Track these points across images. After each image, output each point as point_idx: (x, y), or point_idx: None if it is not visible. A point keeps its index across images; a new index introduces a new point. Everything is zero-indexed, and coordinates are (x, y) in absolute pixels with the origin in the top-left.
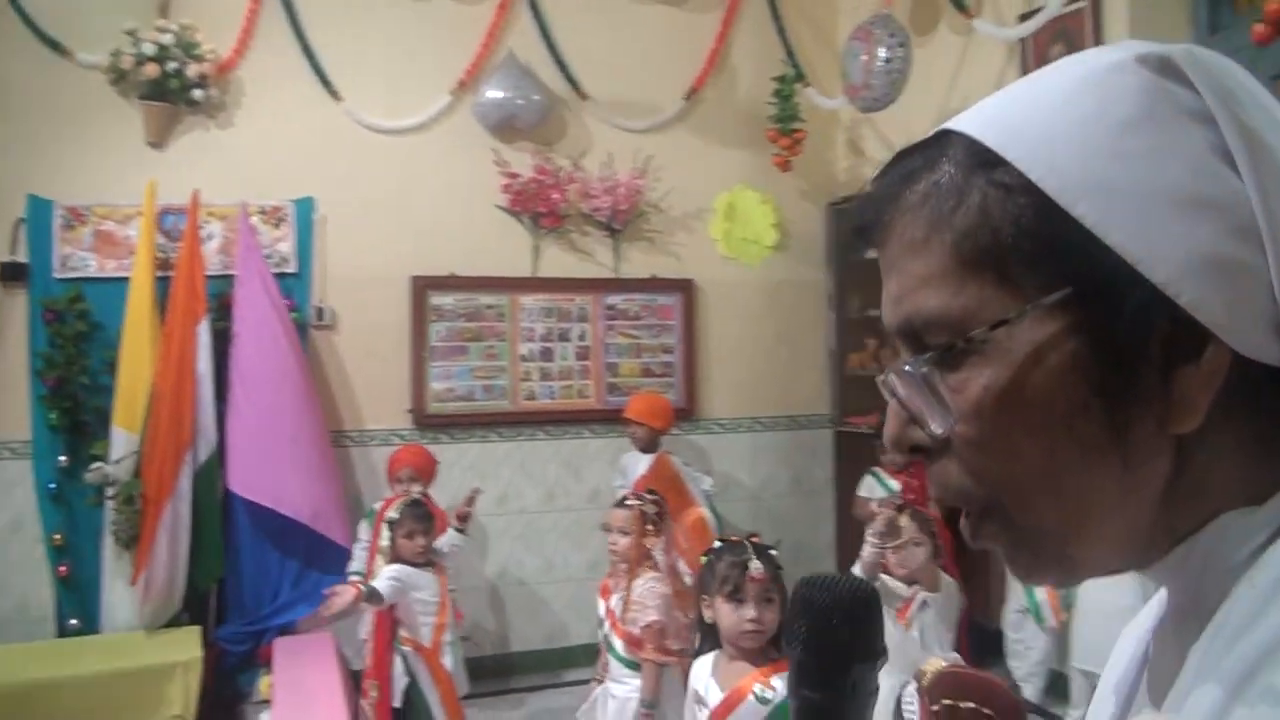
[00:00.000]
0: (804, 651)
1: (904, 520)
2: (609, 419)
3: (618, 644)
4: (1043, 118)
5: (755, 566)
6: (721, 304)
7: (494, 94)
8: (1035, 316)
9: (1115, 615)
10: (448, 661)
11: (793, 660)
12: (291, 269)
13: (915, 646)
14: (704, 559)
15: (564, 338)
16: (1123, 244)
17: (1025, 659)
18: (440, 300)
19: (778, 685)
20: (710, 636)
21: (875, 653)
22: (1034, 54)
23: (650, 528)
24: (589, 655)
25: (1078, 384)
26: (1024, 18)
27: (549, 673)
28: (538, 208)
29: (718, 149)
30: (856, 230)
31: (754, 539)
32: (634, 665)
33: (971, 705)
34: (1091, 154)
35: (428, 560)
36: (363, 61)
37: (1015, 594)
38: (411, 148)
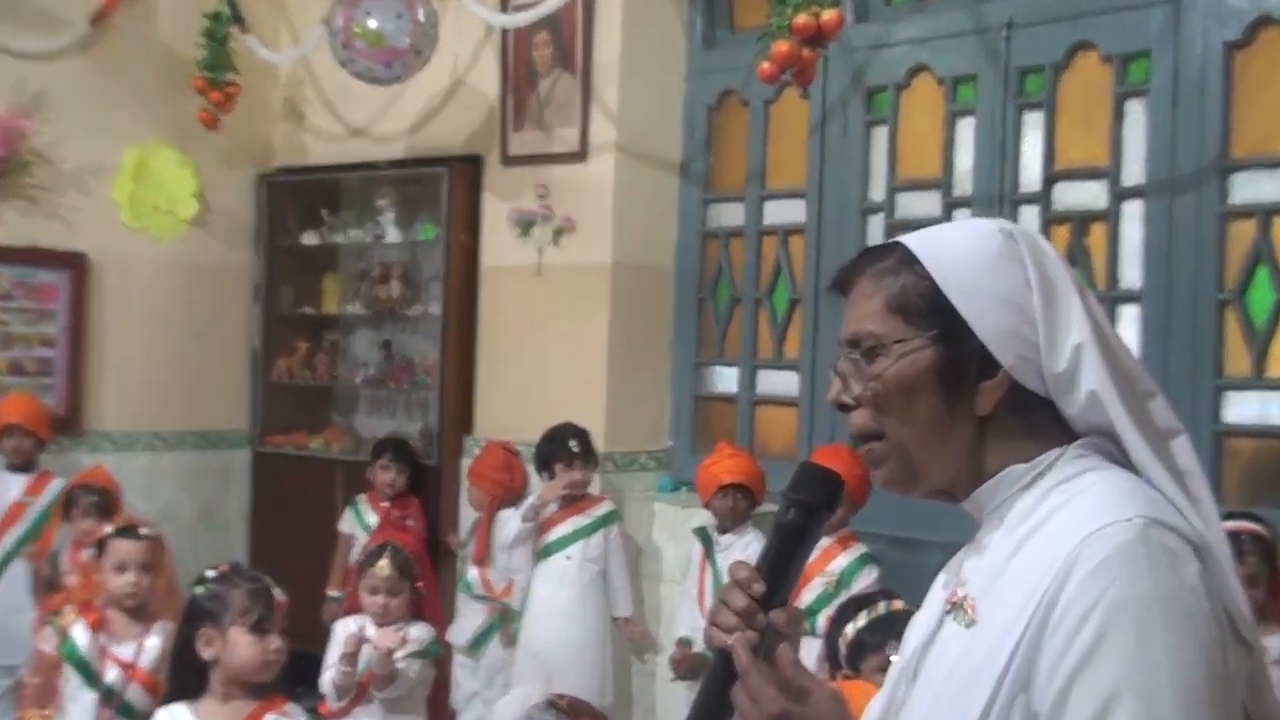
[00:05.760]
0: (798, 496)
1: (382, 563)
2: None
3: (137, 692)
4: (947, 246)
5: (279, 592)
6: (122, 287)
7: None
8: (917, 342)
9: (555, 646)
10: None
11: (791, 502)
12: None
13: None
14: (201, 589)
15: None
16: (968, 316)
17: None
18: None
19: (291, 712)
20: (192, 679)
21: (833, 508)
22: (515, 39)
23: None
24: None
25: (929, 378)
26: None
27: None
28: None
29: (130, 93)
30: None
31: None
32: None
33: None
34: (964, 270)
35: None
36: None
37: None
38: None
